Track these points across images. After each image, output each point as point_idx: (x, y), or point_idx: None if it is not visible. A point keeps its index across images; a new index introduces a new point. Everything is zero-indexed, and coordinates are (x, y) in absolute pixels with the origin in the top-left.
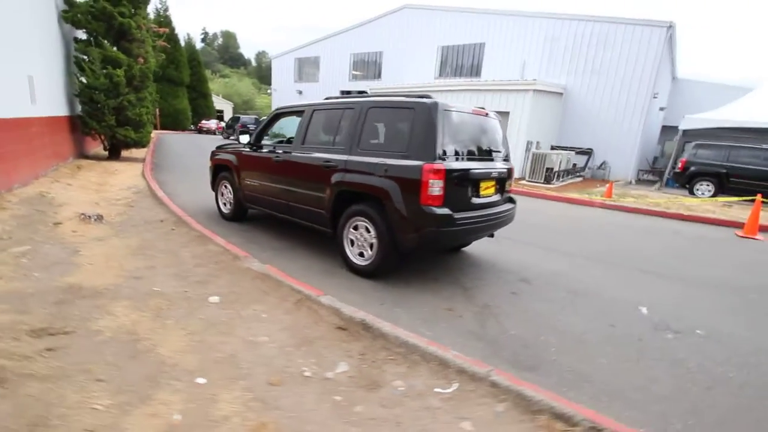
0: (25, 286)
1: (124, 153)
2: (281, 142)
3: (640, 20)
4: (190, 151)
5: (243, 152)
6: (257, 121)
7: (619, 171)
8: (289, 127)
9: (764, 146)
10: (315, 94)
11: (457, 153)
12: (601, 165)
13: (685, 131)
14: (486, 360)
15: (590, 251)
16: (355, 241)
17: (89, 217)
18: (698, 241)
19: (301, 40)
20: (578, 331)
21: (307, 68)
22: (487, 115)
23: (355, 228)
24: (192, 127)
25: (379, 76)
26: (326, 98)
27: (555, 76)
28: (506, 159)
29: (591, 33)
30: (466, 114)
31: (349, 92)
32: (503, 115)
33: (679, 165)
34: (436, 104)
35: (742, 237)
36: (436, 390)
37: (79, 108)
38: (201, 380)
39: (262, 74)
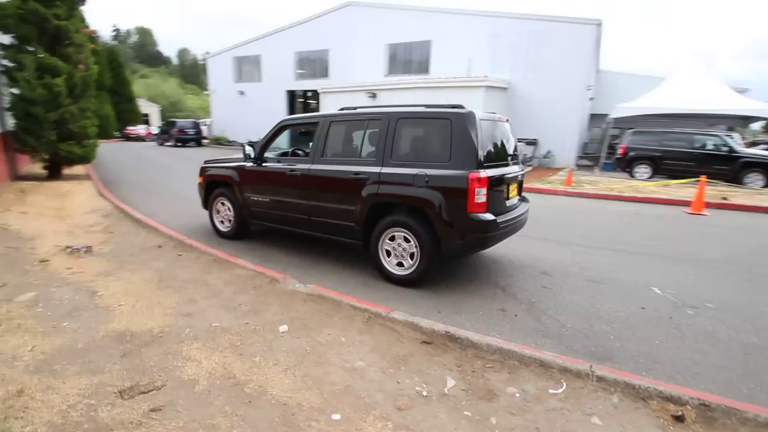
0: (69, 341)
1: (64, 170)
2: (284, 154)
3: (573, 18)
4: (134, 163)
5: (246, 167)
6: (196, 125)
7: (563, 159)
8: (290, 139)
9: (689, 131)
10: (258, 94)
11: (489, 159)
12: (546, 154)
13: (615, 119)
14: (566, 355)
15: (580, 238)
16: (392, 251)
17: (77, 249)
18: (660, 220)
19: (223, 32)
20: (620, 316)
21: (247, 67)
22: (507, 120)
23: (391, 239)
24: (118, 134)
25: (326, 74)
26: (341, 109)
27: (499, 72)
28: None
29: (530, 31)
30: (492, 121)
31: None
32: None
33: (620, 150)
34: (472, 114)
35: (691, 214)
36: (551, 391)
37: (11, 123)
38: (336, 416)
39: (186, 73)
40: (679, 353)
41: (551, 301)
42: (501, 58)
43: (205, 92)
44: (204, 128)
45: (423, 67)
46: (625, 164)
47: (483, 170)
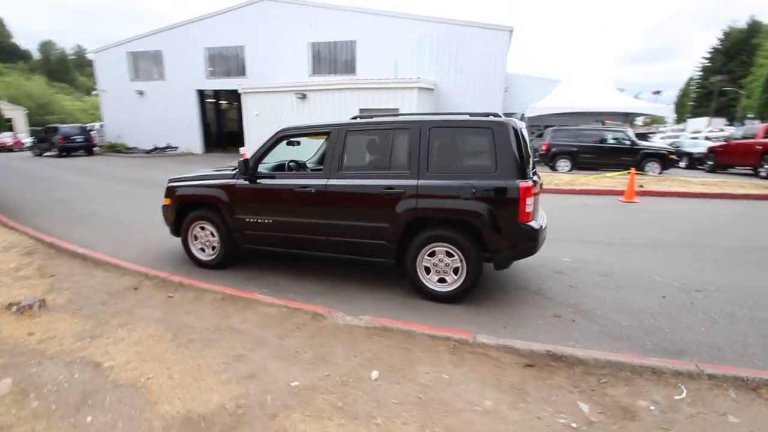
0: None
1: None
2: (278, 168)
3: (489, 24)
4: (18, 181)
5: (238, 185)
6: (84, 131)
7: None
8: (286, 152)
9: (599, 128)
10: (162, 94)
11: (524, 166)
12: None
13: (529, 118)
14: (647, 355)
15: (561, 232)
16: (432, 267)
17: (27, 306)
18: (605, 210)
19: (92, 23)
20: (654, 308)
21: (145, 64)
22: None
23: (431, 254)
24: None
25: (243, 73)
26: (353, 118)
27: (424, 74)
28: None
29: (452, 35)
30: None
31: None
32: (392, 112)
33: (543, 147)
34: (512, 122)
35: (626, 202)
36: (676, 398)
37: None
38: None
39: (53, 69)
40: (726, 337)
41: (588, 300)
42: (425, 60)
43: (94, 92)
44: (93, 133)
45: (349, 68)
46: (549, 159)
47: (529, 179)
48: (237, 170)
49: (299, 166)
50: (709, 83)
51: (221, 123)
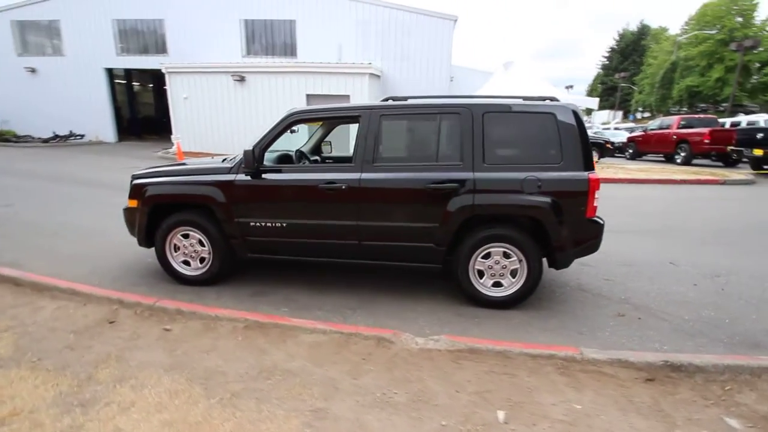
0: None
1: None
2: (282, 159)
3: (434, 12)
4: None
5: (238, 181)
6: None
7: None
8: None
9: None
10: (61, 72)
11: (590, 155)
12: None
13: None
14: (732, 352)
15: None
16: (487, 270)
17: None
18: None
19: None
20: (696, 298)
21: (37, 36)
22: None
23: (485, 256)
24: None
25: (163, 50)
26: (386, 99)
27: (369, 60)
28: None
29: (396, 21)
30: None
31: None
32: (343, 98)
33: None
34: (575, 108)
35: None
36: None
37: None
38: None
39: None
40: None
41: (633, 293)
42: (371, 45)
43: None
44: None
45: (289, 50)
46: None
47: (594, 170)
48: (236, 163)
49: (302, 157)
50: (611, 80)
51: (134, 107)
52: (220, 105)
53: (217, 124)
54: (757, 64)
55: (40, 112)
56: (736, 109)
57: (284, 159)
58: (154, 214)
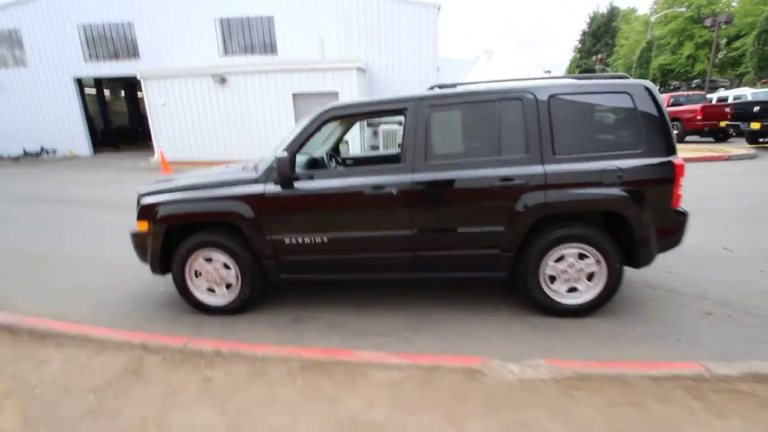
0: None
1: None
2: (313, 165)
3: (416, 0)
4: None
5: (269, 193)
6: None
7: None
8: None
9: None
10: (25, 84)
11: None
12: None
13: None
14: None
15: None
16: (560, 275)
17: None
18: None
19: None
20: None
21: None
22: None
23: (557, 259)
24: None
25: (135, 54)
26: (431, 88)
27: (352, 53)
28: None
29: (378, 11)
30: None
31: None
32: (331, 96)
33: None
34: (651, 85)
35: None
36: None
37: None
38: None
39: None
40: None
41: (706, 287)
42: (353, 38)
43: None
44: None
45: (269, 48)
46: None
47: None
48: (263, 171)
49: (333, 159)
50: (586, 63)
51: (107, 118)
52: (202, 109)
53: (200, 130)
54: (725, 40)
55: (7, 129)
56: (710, 84)
57: (313, 164)
58: (169, 236)
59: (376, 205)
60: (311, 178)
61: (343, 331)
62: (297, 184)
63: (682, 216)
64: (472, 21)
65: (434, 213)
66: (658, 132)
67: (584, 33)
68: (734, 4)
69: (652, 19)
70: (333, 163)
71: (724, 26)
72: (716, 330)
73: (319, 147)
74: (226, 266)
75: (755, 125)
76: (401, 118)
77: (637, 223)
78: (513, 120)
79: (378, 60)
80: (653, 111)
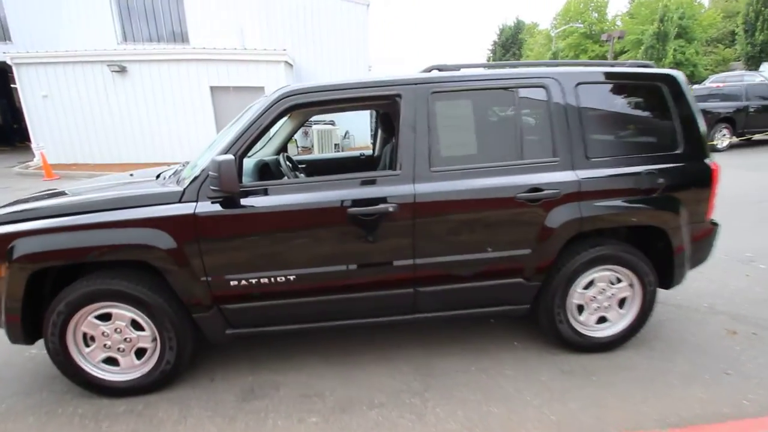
0: None
1: None
2: (264, 174)
3: None
4: None
5: (202, 214)
6: None
7: (360, 139)
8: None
9: None
10: None
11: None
12: (345, 135)
13: None
14: None
15: None
16: (588, 304)
17: None
18: None
19: None
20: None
21: None
22: None
23: (586, 285)
24: None
25: (7, 37)
26: (427, 70)
27: (277, 46)
28: None
29: (305, 5)
30: None
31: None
32: (257, 90)
33: None
34: (682, 76)
35: None
36: None
37: None
38: None
39: None
40: None
41: (713, 300)
42: (277, 30)
43: None
44: None
45: (179, 36)
46: None
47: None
48: (191, 182)
49: (290, 164)
50: None
51: None
52: (96, 103)
53: (93, 128)
54: (612, 54)
55: None
56: None
57: (264, 171)
58: (36, 284)
59: (364, 228)
60: (265, 192)
61: (328, 403)
62: (246, 201)
63: (715, 227)
64: (398, 25)
65: (442, 236)
66: (693, 130)
67: (495, 43)
68: (618, 23)
69: (553, 33)
70: (290, 169)
71: (618, 40)
72: (751, 353)
73: (264, 145)
74: (136, 325)
75: None
76: (332, 117)
77: (677, 238)
78: (536, 113)
79: (306, 56)
80: (688, 107)
